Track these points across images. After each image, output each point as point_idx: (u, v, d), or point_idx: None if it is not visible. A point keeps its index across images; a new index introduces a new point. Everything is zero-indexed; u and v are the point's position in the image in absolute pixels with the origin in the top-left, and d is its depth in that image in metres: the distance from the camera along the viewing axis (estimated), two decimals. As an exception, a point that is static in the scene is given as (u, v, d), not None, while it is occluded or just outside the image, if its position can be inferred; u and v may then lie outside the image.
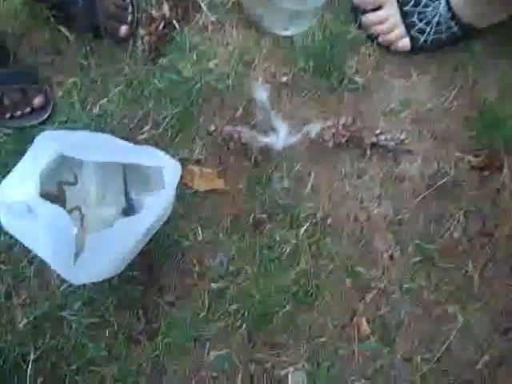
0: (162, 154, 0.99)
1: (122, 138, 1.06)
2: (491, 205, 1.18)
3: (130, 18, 1.18)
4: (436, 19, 1.10)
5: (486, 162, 1.16)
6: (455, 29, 1.10)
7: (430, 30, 1.11)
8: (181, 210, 1.17)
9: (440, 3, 1.08)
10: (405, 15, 1.11)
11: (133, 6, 1.20)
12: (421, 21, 1.11)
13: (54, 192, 1.07)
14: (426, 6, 1.09)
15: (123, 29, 1.16)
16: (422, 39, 1.12)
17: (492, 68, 1.26)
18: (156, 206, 0.95)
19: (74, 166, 1.08)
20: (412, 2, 1.10)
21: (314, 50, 1.20)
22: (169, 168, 0.93)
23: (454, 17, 1.09)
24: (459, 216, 1.16)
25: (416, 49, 1.14)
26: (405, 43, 1.12)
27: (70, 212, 1.07)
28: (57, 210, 0.91)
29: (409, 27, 1.11)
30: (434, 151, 1.19)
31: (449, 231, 1.15)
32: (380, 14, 1.12)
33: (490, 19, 1.09)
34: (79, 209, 1.09)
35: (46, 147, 0.95)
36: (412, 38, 1.12)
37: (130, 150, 1.02)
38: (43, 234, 0.92)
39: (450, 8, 1.08)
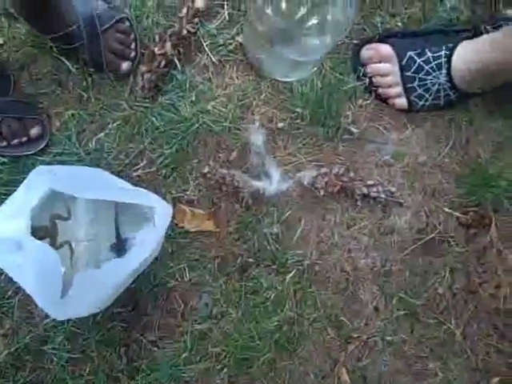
0: (154, 195, 1.02)
1: (117, 173, 1.10)
2: (477, 262, 1.19)
3: (132, 55, 1.18)
4: (436, 87, 1.12)
5: (474, 220, 1.17)
6: (453, 96, 1.11)
7: (429, 97, 1.12)
8: (169, 248, 1.18)
9: (441, 73, 1.10)
10: (405, 80, 1.13)
11: (136, 43, 1.21)
12: (420, 87, 1.13)
13: (46, 225, 1.09)
14: (427, 73, 1.11)
15: (125, 65, 1.17)
16: (420, 104, 1.14)
17: (486, 125, 1.29)
18: (144, 247, 0.96)
19: (67, 199, 1.09)
20: (413, 69, 1.12)
21: (312, 98, 1.22)
22: (160, 209, 0.95)
23: (453, 86, 1.10)
24: (445, 272, 1.17)
25: (413, 110, 1.14)
26: (402, 102, 1.15)
27: (60, 246, 1.09)
28: (47, 249, 0.93)
29: (408, 91, 1.13)
30: (424, 205, 1.21)
31: (434, 286, 1.17)
32: (383, 66, 1.14)
33: (486, 88, 1.11)
34: (69, 244, 1.11)
35: (40, 183, 0.96)
36: (410, 101, 1.13)
37: (123, 188, 1.04)
38: (31, 270, 0.93)
39: (450, 78, 1.09)
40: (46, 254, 0.91)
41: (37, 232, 0.97)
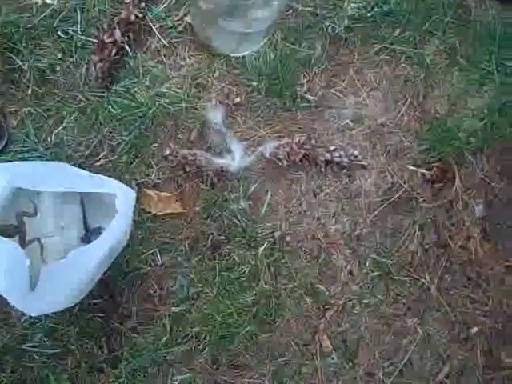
0: (114, 181, 1.01)
1: (79, 165, 1.12)
2: (445, 217, 1.21)
3: None
4: None
5: (438, 175, 1.20)
6: None
7: None
8: (139, 235, 1.19)
9: None
10: None
11: None
12: None
13: (14, 223, 1.09)
14: None
15: None
16: None
17: (440, 80, 1.31)
18: (110, 233, 0.96)
19: (31, 195, 1.10)
20: None
21: (266, 70, 1.23)
22: (121, 195, 0.94)
23: None
24: (414, 229, 1.19)
25: None
26: None
27: (29, 243, 1.10)
28: (8, 244, 0.93)
29: None
30: (388, 166, 1.23)
31: (405, 244, 1.18)
32: None
33: None
34: (39, 240, 1.11)
35: (0, 181, 0.94)
36: None
37: (84, 178, 1.05)
38: None
39: None
40: (9, 250, 0.93)
41: (4, 231, 0.97)
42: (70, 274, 0.92)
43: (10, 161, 1.16)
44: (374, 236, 1.17)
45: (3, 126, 1.12)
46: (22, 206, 1.10)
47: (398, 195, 1.18)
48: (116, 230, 0.94)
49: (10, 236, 0.99)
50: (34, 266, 0.93)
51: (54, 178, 0.99)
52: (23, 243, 1.04)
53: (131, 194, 0.96)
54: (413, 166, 1.20)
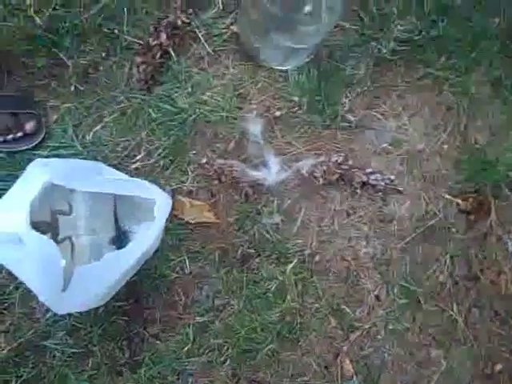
0: (153, 186, 1.03)
1: (114, 166, 1.12)
2: (478, 249, 1.21)
3: None
4: None
5: (473, 206, 1.19)
6: None
7: None
8: (170, 241, 1.20)
9: None
10: None
11: None
12: None
13: (47, 220, 1.09)
14: None
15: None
16: None
17: (483, 111, 1.31)
18: (144, 239, 0.97)
19: (67, 194, 1.10)
20: None
21: (309, 87, 1.23)
22: (160, 201, 0.96)
23: None
24: (445, 259, 1.18)
25: None
26: None
27: (61, 241, 1.09)
28: (46, 242, 0.93)
29: None
30: (424, 193, 1.23)
31: (435, 274, 1.18)
32: None
33: None
34: (70, 238, 1.11)
35: (37, 176, 0.96)
36: None
37: (122, 180, 1.06)
38: (31, 264, 0.93)
39: None
40: (46, 247, 0.92)
41: (38, 227, 0.97)
42: (102, 277, 0.93)
43: (47, 156, 1.18)
44: (404, 263, 1.16)
45: (41, 121, 1.12)
46: (57, 203, 1.10)
47: (431, 223, 1.18)
48: (151, 236, 0.95)
49: (43, 232, 0.98)
50: (66, 265, 0.91)
51: (91, 177, 1.00)
52: (55, 241, 1.03)
53: (169, 201, 0.97)
54: (449, 195, 1.19)
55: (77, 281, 0.89)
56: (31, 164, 0.94)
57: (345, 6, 1.04)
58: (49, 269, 0.88)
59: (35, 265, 0.91)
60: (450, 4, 1.21)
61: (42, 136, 1.15)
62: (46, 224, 1.03)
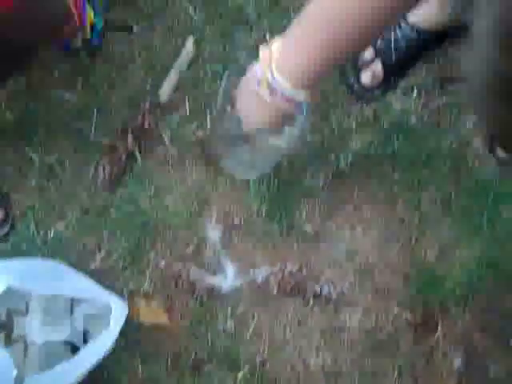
0: (111, 295, 1.15)
1: (74, 264, 1.23)
2: (424, 363, 1.25)
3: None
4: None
5: (421, 320, 1.27)
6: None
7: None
8: (123, 342, 1.27)
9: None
10: None
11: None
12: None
13: (2, 319, 1.18)
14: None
15: None
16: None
17: (435, 227, 1.43)
18: (99, 347, 1.04)
19: (24, 293, 1.18)
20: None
21: (268, 196, 1.37)
22: (116, 310, 1.01)
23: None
24: (394, 372, 1.23)
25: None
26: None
27: (15, 341, 1.18)
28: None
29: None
30: (374, 305, 1.32)
31: None
32: None
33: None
34: (24, 339, 1.19)
35: None
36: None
37: (80, 283, 1.17)
38: None
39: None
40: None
41: None
42: None
43: (8, 250, 1.29)
44: (354, 375, 1.23)
45: (9, 212, 1.15)
46: (14, 302, 1.19)
47: (381, 336, 1.24)
48: (105, 344, 0.99)
49: (-4, 330, 1.03)
50: (17, 372, 0.95)
51: (49, 278, 1.08)
52: (9, 341, 1.07)
53: (125, 311, 1.02)
54: (398, 308, 1.25)
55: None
56: None
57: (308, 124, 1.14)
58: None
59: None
60: (405, 122, 1.29)
61: (8, 227, 1.15)
62: (0, 321, 1.05)
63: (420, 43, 1.37)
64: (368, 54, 1.37)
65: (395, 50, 1.37)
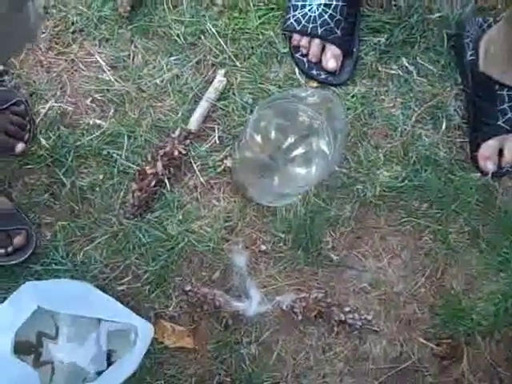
0: (137, 317, 1.22)
1: (102, 286, 1.33)
2: (449, 395, 1.30)
3: (26, 137, 1.31)
4: None
5: (447, 351, 1.35)
6: None
7: None
8: (148, 363, 1.37)
9: None
10: None
11: (31, 126, 1.32)
12: None
13: (32, 341, 1.26)
14: None
15: (19, 146, 1.30)
16: None
17: (461, 259, 1.51)
18: (124, 367, 1.12)
19: (53, 315, 1.27)
20: None
21: (295, 223, 1.44)
22: (143, 331, 1.08)
23: None
24: None
25: None
26: None
27: (43, 364, 1.25)
28: (27, 371, 1.06)
29: None
30: (399, 334, 1.41)
31: None
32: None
33: None
34: (52, 363, 1.26)
35: (27, 302, 1.05)
36: None
37: (108, 304, 1.25)
38: None
39: None
40: (27, 375, 1.05)
41: (21, 347, 1.09)
42: None
43: (37, 271, 1.37)
44: None
45: (31, 235, 1.36)
46: (44, 325, 1.27)
47: (405, 365, 1.36)
48: (130, 365, 1.08)
49: (24, 353, 1.09)
50: None
51: (78, 299, 1.16)
52: (37, 363, 1.15)
53: (151, 332, 1.11)
54: (423, 338, 1.37)
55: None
56: (21, 287, 1.10)
57: (338, 153, 1.24)
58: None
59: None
60: (434, 156, 1.40)
61: (30, 250, 1.35)
62: (30, 345, 1.23)
63: None
64: None
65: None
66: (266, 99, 1.23)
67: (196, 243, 1.42)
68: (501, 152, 1.45)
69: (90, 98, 1.47)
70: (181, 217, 1.43)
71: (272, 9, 1.53)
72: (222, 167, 1.49)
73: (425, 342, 1.42)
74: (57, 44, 1.46)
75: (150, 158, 1.44)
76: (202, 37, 1.51)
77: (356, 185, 1.50)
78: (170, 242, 1.42)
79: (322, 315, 1.40)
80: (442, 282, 1.46)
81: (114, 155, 1.46)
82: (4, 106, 1.37)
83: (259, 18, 1.52)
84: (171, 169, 1.45)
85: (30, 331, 1.24)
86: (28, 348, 1.22)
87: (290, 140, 1.30)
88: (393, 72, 1.52)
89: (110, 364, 1.27)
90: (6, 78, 1.41)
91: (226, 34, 1.51)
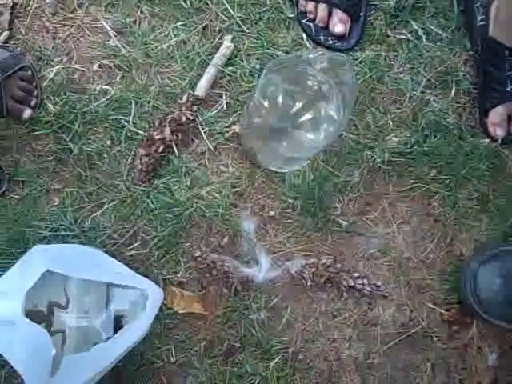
0: (148, 281, 1.23)
1: (110, 252, 1.33)
2: (458, 359, 1.35)
3: (33, 102, 1.29)
4: None
5: (456, 317, 1.33)
6: None
7: None
8: (157, 328, 1.38)
9: None
10: None
11: (38, 91, 1.30)
12: None
13: (44, 311, 1.26)
14: None
15: (27, 113, 1.28)
16: None
17: (470, 225, 1.50)
18: (134, 331, 1.12)
19: (63, 280, 1.27)
20: None
21: (303, 189, 1.44)
22: (152, 294, 1.06)
23: None
24: (426, 367, 1.35)
25: None
26: None
27: (54, 333, 1.25)
28: (39, 331, 1.06)
29: None
30: (408, 300, 1.41)
31: (415, 381, 1.31)
32: None
33: None
34: (63, 332, 1.27)
35: (36, 264, 1.04)
36: None
37: (117, 269, 1.24)
38: (22, 349, 1.07)
39: None
40: (38, 336, 1.06)
41: (33, 316, 1.09)
42: (90, 366, 1.08)
43: (46, 236, 1.37)
44: (386, 368, 1.31)
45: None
46: (54, 293, 1.28)
47: (414, 331, 1.36)
48: (140, 328, 1.07)
49: (36, 322, 1.08)
50: (55, 354, 1.06)
51: (87, 264, 1.16)
52: (48, 332, 1.14)
53: (161, 296, 1.10)
54: (433, 304, 1.36)
55: (65, 369, 1.08)
56: (31, 250, 1.09)
57: (345, 119, 1.21)
58: (39, 356, 1.06)
59: (25, 350, 1.06)
60: (443, 122, 1.41)
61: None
62: (41, 314, 1.24)
63: None
64: None
65: None
66: (273, 61, 1.21)
67: (204, 209, 1.40)
68: (510, 118, 1.42)
69: (97, 64, 1.45)
70: (189, 183, 1.42)
71: (279, -27, 1.47)
72: (230, 133, 1.47)
73: (434, 307, 1.41)
74: (62, 9, 1.44)
75: (157, 124, 1.43)
76: (209, 2, 1.48)
77: (365, 150, 1.49)
78: (178, 208, 1.40)
79: (331, 281, 1.39)
80: (451, 247, 1.45)
81: (122, 121, 1.44)
82: (11, 71, 1.35)
83: (266, -18, 1.46)
84: (179, 135, 1.44)
85: (41, 300, 1.25)
86: (40, 317, 1.23)
87: (298, 105, 1.27)
88: (402, 37, 1.49)
89: (119, 329, 1.24)
90: (11, 43, 1.38)
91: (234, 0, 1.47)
